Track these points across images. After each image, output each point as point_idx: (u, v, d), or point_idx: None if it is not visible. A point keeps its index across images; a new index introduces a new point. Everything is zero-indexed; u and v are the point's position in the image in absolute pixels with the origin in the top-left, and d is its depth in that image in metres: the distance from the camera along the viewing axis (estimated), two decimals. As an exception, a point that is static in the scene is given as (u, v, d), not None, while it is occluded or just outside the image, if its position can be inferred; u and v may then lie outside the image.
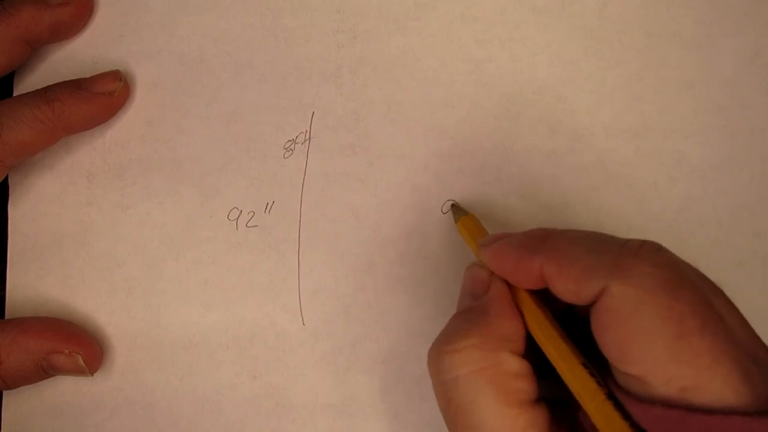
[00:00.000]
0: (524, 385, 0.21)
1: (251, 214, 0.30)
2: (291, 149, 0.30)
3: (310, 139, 0.30)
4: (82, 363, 0.28)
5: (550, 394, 0.22)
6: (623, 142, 0.29)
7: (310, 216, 0.30)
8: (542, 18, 0.30)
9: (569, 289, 0.21)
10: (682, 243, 0.29)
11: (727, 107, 0.29)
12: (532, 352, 0.22)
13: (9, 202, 0.31)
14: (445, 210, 0.29)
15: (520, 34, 0.30)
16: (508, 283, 0.24)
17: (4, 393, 0.30)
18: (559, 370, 0.21)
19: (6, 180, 0.31)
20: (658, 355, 0.19)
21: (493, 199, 0.29)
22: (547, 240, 0.22)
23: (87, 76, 0.30)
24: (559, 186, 0.29)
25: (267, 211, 0.30)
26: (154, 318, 0.30)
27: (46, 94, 0.28)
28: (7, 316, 0.30)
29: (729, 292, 0.21)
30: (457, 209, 0.28)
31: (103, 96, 0.29)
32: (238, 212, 0.30)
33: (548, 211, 0.29)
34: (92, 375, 0.29)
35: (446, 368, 0.21)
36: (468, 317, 0.23)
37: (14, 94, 0.32)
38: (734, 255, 0.29)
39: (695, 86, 0.29)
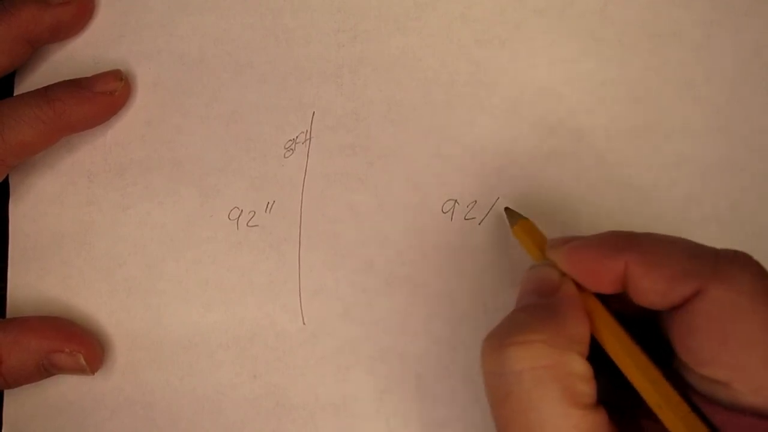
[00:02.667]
0: (588, 389, 0.20)
1: (252, 214, 0.30)
2: (291, 149, 0.30)
3: (310, 139, 0.30)
4: (84, 362, 0.28)
5: (605, 399, 0.22)
6: (623, 143, 0.29)
7: (311, 216, 0.30)
8: (543, 18, 0.30)
9: (657, 290, 0.20)
10: (682, 243, 0.28)
11: (728, 107, 0.29)
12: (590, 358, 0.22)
13: (10, 201, 0.31)
14: (445, 210, 0.29)
15: (521, 34, 0.30)
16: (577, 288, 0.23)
17: (6, 392, 0.30)
18: (633, 379, 0.21)
19: (7, 180, 0.31)
20: (752, 361, 0.19)
21: (493, 199, 0.29)
22: (633, 239, 0.22)
23: (88, 75, 0.30)
24: (559, 186, 0.29)
25: (267, 210, 0.30)
26: (154, 318, 0.30)
27: (47, 93, 0.28)
28: (8, 315, 0.30)
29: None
30: (512, 213, 0.28)
31: (104, 95, 0.29)
32: (239, 212, 0.30)
33: (548, 211, 0.29)
34: (93, 374, 0.29)
35: (510, 360, 0.20)
36: (535, 313, 0.22)
37: (15, 94, 0.32)
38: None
39: (696, 86, 0.29)
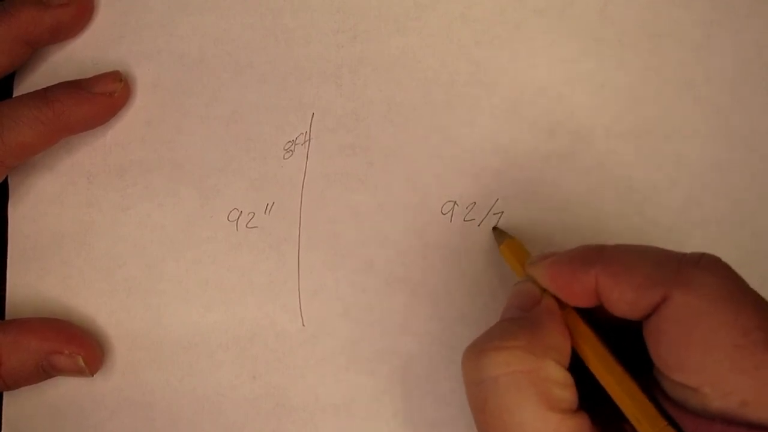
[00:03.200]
0: (567, 395, 0.21)
1: (251, 215, 0.30)
2: (291, 150, 0.30)
3: (310, 139, 0.30)
4: (83, 364, 0.28)
5: (590, 406, 0.22)
6: (623, 143, 0.29)
7: (310, 216, 0.30)
8: (542, 18, 0.30)
9: (626, 299, 0.21)
10: (681, 244, 0.28)
11: (728, 108, 0.29)
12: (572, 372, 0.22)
13: (9, 202, 0.31)
14: (445, 211, 0.29)
15: (521, 34, 0.30)
16: (558, 304, 0.23)
17: (5, 393, 0.30)
18: (612, 392, 0.21)
19: (6, 180, 0.31)
20: (719, 364, 0.19)
21: (493, 200, 0.29)
22: (602, 252, 0.22)
23: (87, 76, 0.30)
24: (559, 187, 0.29)
25: (267, 211, 0.30)
26: (154, 318, 0.30)
27: (46, 94, 0.28)
28: (7, 316, 0.30)
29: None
30: (499, 233, 0.28)
31: (103, 96, 0.29)
32: (238, 213, 0.30)
33: (548, 212, 0.29)
34: (92, 376, 0.29)
35: (487, 366, 0.21)
36: (516, 322, 0.22)
37: (14, 95, 0.32)
38: (734, 256, 0.29)
39: (696, 87, 0.29)
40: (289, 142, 0.30)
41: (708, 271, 0.20)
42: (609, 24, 0.30)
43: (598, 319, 0.23)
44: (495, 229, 0.29)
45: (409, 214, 0.30)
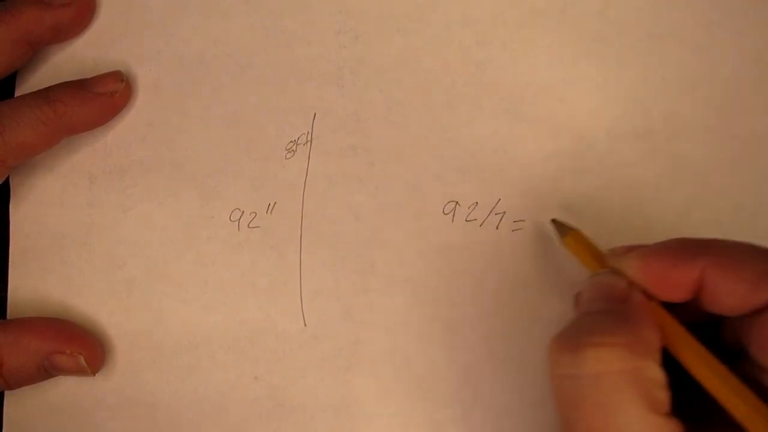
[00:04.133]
0: (665, 397, 0.20)
1: (253, 215, 0.30)
2: (292, 150, 0.30)
3: (311, 140, 0.30)
4: (84, 363, 0.28)
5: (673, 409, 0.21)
6: (624, 144, 0.29)
7: (312, 217, 0.30)
8: (543, 19, 0.30)
9: (737, 293, 0.20)
10: (682, 244, 0.28)
11: (729, 109, 0.29)
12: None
13: (10, 203, 0.31)
14: (446, 211, 0.29)
15: (521, 35, 0.30)
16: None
17: (6, 393, 0.30)
18: (717, 392, 0.20)
19: (7, 181, 0.31)
20: None
21: (494, 200, 0.29)
22: (706, 245, 0.21)
23: (88, 76, 0.30)
24: (560, 188, 0.29)
25: (268, 212, 0.30)
26: (155, 319, 0.30)
27: (48, 94, 0.28)
28: (8, 316, 0.30)
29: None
30: (560, 225, 0.28)
31: (104, 96, 0.29)
32: (240, 213, 0.30)
33: (549, 212, 0.29)
34: (94, 375, 0.29)
35: (587, 362, 0.19)
36: (609, 318, 0.21)
37: (16, 95, 0.32)
38: (735, 256, 0.29)
39: (697, 88, 0.29)
40: (291, 142, 0.30)
41: None
42: (609, 24, 0.30)
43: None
44: (554, 221, 0.28)
45: (411, 215, 0.30)
